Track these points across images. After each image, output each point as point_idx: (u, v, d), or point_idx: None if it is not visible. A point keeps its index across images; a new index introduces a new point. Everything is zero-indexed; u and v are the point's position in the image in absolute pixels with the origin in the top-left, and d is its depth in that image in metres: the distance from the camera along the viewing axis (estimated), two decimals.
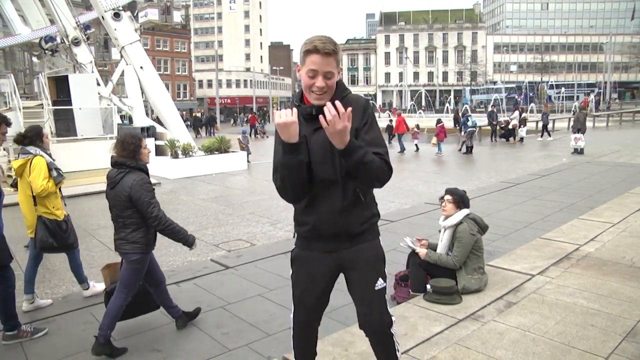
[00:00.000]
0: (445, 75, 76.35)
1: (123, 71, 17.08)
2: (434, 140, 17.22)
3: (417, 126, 18.94)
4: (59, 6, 16.03)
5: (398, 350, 2.30)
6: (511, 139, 20.57)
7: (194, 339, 3.68)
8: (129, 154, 3.47)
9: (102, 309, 4.34)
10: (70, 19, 16.61)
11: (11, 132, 4.45)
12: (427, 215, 7.44)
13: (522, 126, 20.61)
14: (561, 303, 3.69)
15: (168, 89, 24.52)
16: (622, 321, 3.35)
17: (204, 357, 3.40)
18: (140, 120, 16.53)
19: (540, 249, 5.07)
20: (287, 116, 1.90)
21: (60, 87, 14.81)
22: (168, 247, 5.76)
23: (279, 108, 1.81)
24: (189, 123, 30.37)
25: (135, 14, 18.49)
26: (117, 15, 15.55)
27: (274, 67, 63.12)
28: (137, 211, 3.43)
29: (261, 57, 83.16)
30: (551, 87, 52.79)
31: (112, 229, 3.62)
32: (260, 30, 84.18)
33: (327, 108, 1.82)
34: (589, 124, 26.70)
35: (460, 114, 23.33)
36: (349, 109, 1.85)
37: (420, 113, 38.09)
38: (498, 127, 21.39)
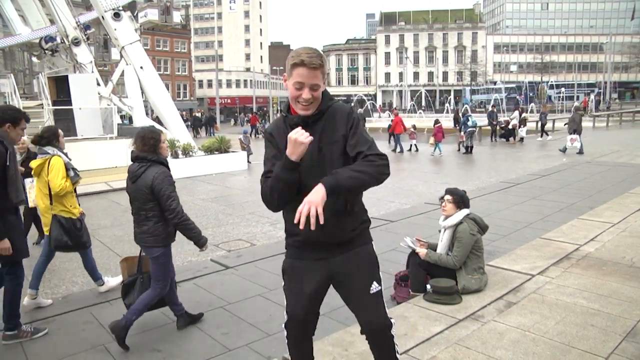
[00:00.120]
0: (445, 75, 76.34)
1: (123, 71, 17.10)
2: (431, 140, 17.25)
3: (414, 126, 18.96)
4: (59, 6, 16.05)
5: (398, 352, 2.31)
6: (511, 139, 20.58)
7: (194, 339, 3.68)
8: (149, 148, 3.59)
9: (103, 308, 4.36)
10: (70, 19, 16.63)
11: None
12: (427, 215, 7.43)
13: (522, 126, 20.62)
14: (561, 303, 3.69)
15: (168, 89, 24.53)
16: (622, 321, 3.35)
17: (204, 357, 3.40)
18: (140, 120, 16.53)
19: (540, 249, 5.07)
20: (307, 137, 1.93)
21: (60, 87, 14.84)
22: None
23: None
24: (188, 123, 30.39)
25: (134, 14, 18.51)
26: (117, 15, 15.56)
27: (274, 67, 63.10)
28: (158, 204, 3.54)
29: (261, 57, 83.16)
30: (551, 87, 52.80)
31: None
32: (260, 30, 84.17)
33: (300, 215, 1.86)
34: (589, 124, 26.82)
35: (460, 114, 23.33)
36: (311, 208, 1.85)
37: (420, 113, 38.11)
38: (498, 127, 21.40)
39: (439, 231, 4.26)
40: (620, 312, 3.50)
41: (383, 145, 19.01)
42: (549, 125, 22.87)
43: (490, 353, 3.00)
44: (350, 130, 2.09)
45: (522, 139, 20.48)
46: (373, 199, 8.76)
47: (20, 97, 14.52)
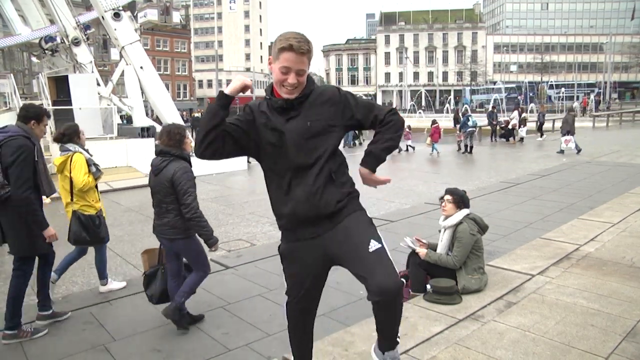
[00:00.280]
0: (445, 75, 76.33)
1: (123, 71, 17.10)
2: (428, 140, 17.28)
3: (409, 127, 18.96)
4: (59, 6, 16.05)
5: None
6: (511, 139, 20.58)
7: (194, 339, 3.68)
8: (175, 143, 3.69)
9: (103, 308, 4.37)
10: (70, 19, 16.63)
11: None
12: (427, 215, 7.43)
13: (522, 126, 20.63)
14: (561, 303, 3.69)
15: (168, 89, 24.54)
16: (622, 321, 3.35)
17: (204, 357, 3.39)
18: (140, 120, 16.54)
19: (540, 249, 5.07)
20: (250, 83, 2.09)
21: (60, 87, 14.84)
22: None
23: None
24: (188, 123, 30.40)
25: (134, 14, 18.52)
26: (117, 15, 15.58)
27: None
28: (178, 198, 3.62)
29: (261, 57, 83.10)
30: (551, 87, 52.73)
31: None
32: (260, 30, 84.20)
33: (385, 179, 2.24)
34: (589, 124, 26.83)
35: (460, 114, 23.34)
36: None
37: (420, 113, 38.08)
38: (498, 127, 21.41)
39: (439, 231, 4.25)
40: (620, 312, 3.50)
41: None
42: (549, 126, 22.85)
43: (490, 353, 2.99)
44: (352, 104, 2.18)
45: (522, 139, 20.48)
46: (373, 199, 8.75)
47: (20, 97, 14.50)
